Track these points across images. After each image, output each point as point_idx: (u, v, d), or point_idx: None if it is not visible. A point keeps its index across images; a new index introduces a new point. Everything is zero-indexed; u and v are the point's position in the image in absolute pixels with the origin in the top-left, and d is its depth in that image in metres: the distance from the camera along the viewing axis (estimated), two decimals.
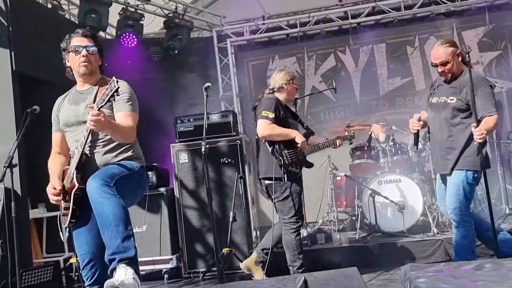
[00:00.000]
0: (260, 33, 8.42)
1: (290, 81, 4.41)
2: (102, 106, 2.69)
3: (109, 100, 2.68)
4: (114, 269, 2.63)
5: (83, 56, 3.01)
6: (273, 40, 8.65)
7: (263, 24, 8.40)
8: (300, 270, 4.14)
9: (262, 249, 4.55)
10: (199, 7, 8.50)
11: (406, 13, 8.00)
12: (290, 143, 4.19)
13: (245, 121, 8.50)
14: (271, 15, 8.53)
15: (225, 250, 5.01)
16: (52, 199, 3.00)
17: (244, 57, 8.76)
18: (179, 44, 7.86)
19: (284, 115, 4.29)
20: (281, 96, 4.41)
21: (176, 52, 7.89)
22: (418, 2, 7.88)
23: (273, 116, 4.14)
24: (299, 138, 4.17)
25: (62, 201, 3.00)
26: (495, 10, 7.87)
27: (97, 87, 3.06)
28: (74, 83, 3.21)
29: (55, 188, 2.98)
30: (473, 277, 1.92)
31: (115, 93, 2.66)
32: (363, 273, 4.58)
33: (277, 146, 4.17)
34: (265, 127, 4.16)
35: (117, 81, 2.69)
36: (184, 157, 5.52)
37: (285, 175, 4.11)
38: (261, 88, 8.44)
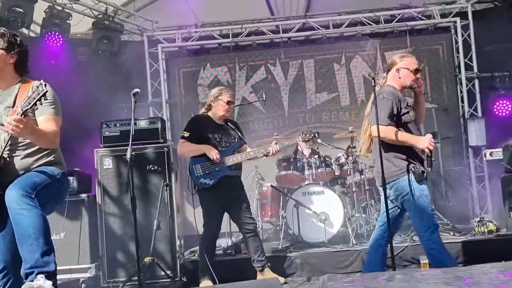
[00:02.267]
0: (192, 40, 8.41)
1: (217, 98, 4.73)
2: (26, 110, 2.58)
3: (35, 104, 2.57)
4: (31, 281, 2.51)
5: None
6: (205, 49, 8.67)
7: (196, 32, 8.40)
8: (201, 276, 4.60)
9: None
10: (131, 10, 8.35)
11: (334, 31, 8.32)
12: (207, 157, 4.52)
13: (174, 128, 8.42)
14: (204, 24, 8.55)
15: (147, 259, 4.92)
16: None
17: (175, 64, 8.70)
18: (108, 47, 7.67)
19: (204, 132, 4.62)
20: (211, 113, 4.77)
21: (105, 54, 7.68)
22: (346, 22, 8.24)
23: (188, 135, 4.61)
24: (211, 153, 4.49)
25: None
26: (415, 34, 8.38)
27: (17, 88, 2.91)
28: None
29: None
30: (386, 287, 2.03)
31: (42, 97, 2.56)
32: (284, 282, 4.71)
33: (191, 161, 4.62)
34: (179, 146, 4.72)
35: (45, 85, 2.59)
36: (108, 163, 5.37)
37: (195, 187, 4.59)
38: (192, 96, 8.51)
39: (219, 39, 8.36)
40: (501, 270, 2.34)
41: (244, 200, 4.75)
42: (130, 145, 3.72)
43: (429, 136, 3.80)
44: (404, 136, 3.76)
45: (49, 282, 2.51)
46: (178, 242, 5.34)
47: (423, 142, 3.78)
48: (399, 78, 3.91)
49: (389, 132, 3.71)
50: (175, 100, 8.61)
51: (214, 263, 4.66)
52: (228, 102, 4.74)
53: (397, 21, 8.21)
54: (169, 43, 8.44)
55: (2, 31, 2.96)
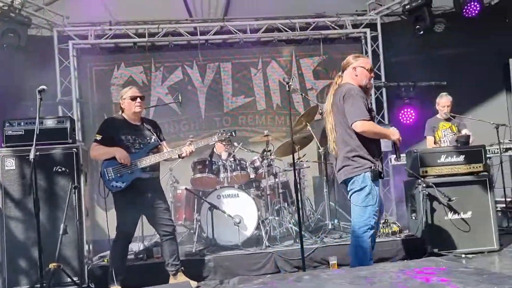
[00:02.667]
0: (106, 38, 8.12)
1: (123, 98, 4.65)
2: None
3: None
4: None
5: None
6: (120, 47, 8.41)
7: (110, 29, 8.13)
8: (111, 281, 4.47)
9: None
10: (40, 3, 7.89)
11: (251, 36, 8.43)
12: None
13: (85, 128, 8.09)
14: (119, 22, 8.30)
15: (52, 265, 4.66)
16: None
17: (87, 62, 8.35)
18: (14, 41, 7.20)
19: (116, 134, 4.53)
20: (125, 114, 4.68)
21: (10, 48, 7.21)
22: (263, 27, 8.37)
23: (100, 138, 4.52)
24: (118, 155, 4.41)
25: None
26: (328, 42, 8.71)
27: None
28: None
29: None
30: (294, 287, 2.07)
31: None
32: (197, 286, 4.67)
33: (103, 164, 4.52)
34: (91, 149, 4.60)
35: None
36: (10, 164, 5.04)
37: (109, 191, 4.46)
38: (105, 95, 8.22)
39: (135, 38, 8.16)
40: (402, 269, 2.48)
41: (163, 202, 4.66)
42: (34, 144, 3.53)
43: (395, 128, 4.08)
44: (381, 129, 4.00)
45: None
46: (86, 247, 5.12)
47: (395, 134, 4.05)
48: (356, 76, 4.02)
49: (372, 126, 3.86)
50: (86, 99, 8.27)
51: (124, 268, 4.52)
52: (133, 98, 4.61)
53: (311, 29, 8.48)
54: (81, 39, 8.09)
55: None
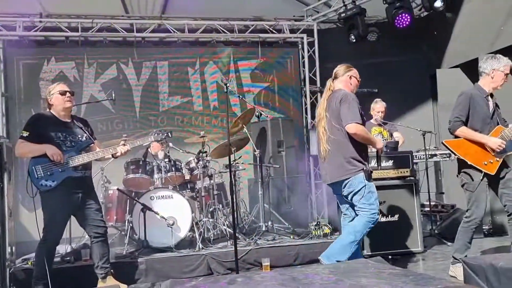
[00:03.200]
0: (35, 30, 7.74)
1: (50, 93, 4.45)
2: None
3: None
4: None
5: None
6: (51, 41, 8.05)
7: (40, 21, 7.76)
8: (34, 285, 4.25)
9: None
10: None
11: (189, 36, 8.34)
12: (49, 158, 4.22)
13: (11, 124, 7.67)
14: (50, 14, 7.94)
15: None
16: None
17: (15, 54, 7.91)
18: None
19: (45, 131, 4.31)
20: (53, 111, 4.47)
21: None
22: (201, 27, 8.32)
23: (27, 135, 4.27)
24: (50, 152, 4.21)
25: None
26: (266, 46, 8.80)
27: None
28: None
29: None
30: None
31: None
32: None
33: (31, 162, 4.26)
34: (16, 146, 4.34)
35: None
36: None
37: (37, 190, 4.23)
38: (33, 90, 7.85)
39: (67, 32, 7.83)
40: (332, 271, 2.54)
41: (95, 202, 4.49)
42: None
43: (380, 138, 4.25)
44: (370, 136, 4.28)
45: None
46: (8, 249, 4.84)
47: (379, 143, 4.38)
48: (351, 84, 4.45)
49: (363, 130, 4.12)
50: (12, 94, 7.84)
51: (50, 271, 4.32)
52: (62, 92, 4.42)
53: (250, 32, 8.54)
54: (8, 31, 7.67)
55: None
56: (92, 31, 7.92)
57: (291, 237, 5.87)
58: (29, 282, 4.36)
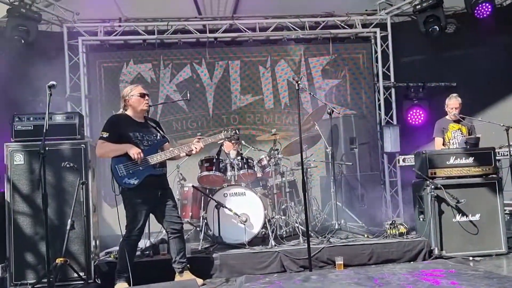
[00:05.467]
0: (115, 35, 8.14)
1: (129, 95, 4.60)
2: None
3: None
4: None
5: None
6: (129, 44, 8.43)
7: (119, 26, 8.15)
8: (117, 277, 4.44)
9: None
10: None
11: (260, 35, 8.41)
12: (130, 156, 4.38)
13: (94, 124, 8.11)
14: (129, 18, 8.31)
15: (59, 260, 4.67)
16: None
17: (97, 58, 8.38)
18: (24, 36, 7.23)
19: (124, 131, 4.48)
20: (130, 112, 4.64)
21: (20, 44, 7.24)
22: (272, 25, 8.35)
23: (107, 135, 4.44)
24: (132, 151, 4.36)
25: None
26: (338, 42, 8.68)
27: None
28: None
29: None
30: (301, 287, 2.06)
31: None
32: (202, 284, 4.67)
33: (113, 161, 4.42)
34: (97, 147, 4.50)
35: None
36: (19, 158, 5.06)
37: (119, 187, 4.40)
38: (113, 91, 8.24)
39: (144, 35, 8.17)
40: (410, 271, 2.46)
41: (171, 199, 4.66)
42: (43, 140, 3.54)
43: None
44: None
45: None
46: (93, 243, 5.13)
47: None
48: None
49: None
50: (95, 96, 8.29)
51: (132, 265, 4.52)
52: (142, 95, 4.62)
53: (321, 28, 8.46)
54: (91, 36, 8.12)
55: None
56: (167, 34, 8.21)
57: (365, 235, 5.75)
58: (112, 274, 4.59)
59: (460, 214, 5.36)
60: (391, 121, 8.47)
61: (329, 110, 6.21)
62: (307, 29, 8.41)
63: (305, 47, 8.69)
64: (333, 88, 8.71)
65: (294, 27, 8.41)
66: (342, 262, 4.76)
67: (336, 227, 6.02)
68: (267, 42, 8.69)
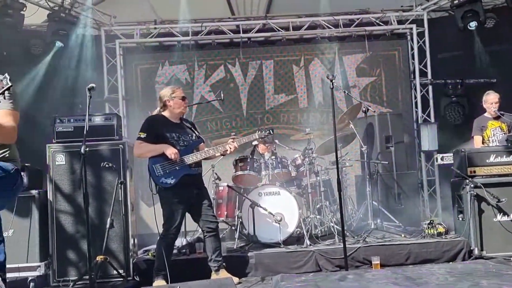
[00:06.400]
0: (151, 37, 8.28)
1: (171, 96, 4.68)
2: None
3: None
4: None
5: None
6: (164, 46, 8.56)
7: (155, 28, 8.28)
8: (155, 275, 4.53)
9: None
10: (88, 3, 8.11)
11: (293, 34, 8.40)
12: (166, 156, 4.46)
13: (130, 125, 8.26)
14: (164, 20, 8.44)
15: (99, 258, 4.80)
16: None
17: (133, 60, 8.55)
18: (64, 40, 7.46)
19: (161, 131, 4.57)
20: (167, 113, 4.72)
21: (61, 47, 7.48)
22: (306, 24, 8.32)
23: (145, 136, 4.54)
24: (168, 151, 4.45)
25: None
26: (373, 39, 8.57)
27: None
28: None
29: None
30: (337, 287, 2.05)
31: (6, 91, 2.45)
32: (238, 282, 4.70)
33: (150, 161, 4.51)
34: (135, 147, 4.63)
35: (9, 79, 2.47)
36: (61, 159, 5.22)
37: (156, 187, 4.51)
38: (149, 93, 8.38)
39: (179, 36, 8.27)
40: (449, 271, 2.41)
41: (207, 198, 4.72)
42: (84, 141, 3.64)
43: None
44: None
45: None
46: (131, 241, 5.24)
47: None
48: None
49: None
50: (132, 97, 8.46)
51: (169, 263, 4.60)
52: (183, 98, 4.72)
53: (355, 26, 8.37)
54: (127, 38, 8.29)
55: None
56: (201, 35, 8.29)
57: (402, 235, 5.67)
58: (150, 272, 4.68)
59: (501, 214, 5.21)
60: (429, 119, 8.30)
61: (364, 108, 6.15)
62: (341, 27, 8.34)
63: (339, 45, 8.61)
64: (368, 86, 8.61)
65: (327, 25, 8.35)
66: (378, 262, 4.71)
67: (372, 226, 5.96)
68: (301, 41, 8.67)
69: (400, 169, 6.86)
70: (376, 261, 4.74)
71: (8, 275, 4.74)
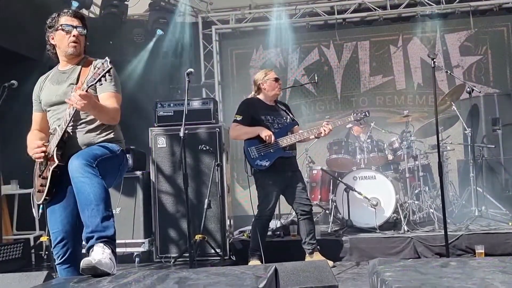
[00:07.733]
0: (245, 22, 8.39)
1: (264, 79, 4.71)
2: (91, 86, 2.65)
3: (99, 80, 2.63)
4: (91, 247, 2.59)
5: (73, 36, 2.95)
6: (259, 30, 8.63)
7: (250, 13, 8.37)
8: (250, 255, 4.60)
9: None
10: None
11: (391, 12, 8.07)
12: (261, 139, 4.49)
13: (226, 109, 8.48)
14: (258, 5, 8.50)
15: (198, 237, 5.02)
16: (36, 152, 2.89)
17: (228, 45, 8.73)
18: (164, 28, 7.79)
19: (256, 114, 4.61)
20: (261, 96, 4.76)
21: (160, 35, 7.83)
22: (404, 2, 7.96)
23: (241, 118, 4.59)
24: (263, 133, 4.46)
25: (38, 178, 2.96)
26: (478, 15, 8.00)
27: (79, 66, 2.99)
28: (54, 60, 3.14)
29: (39, 146, 2.91)
30: (439, 273, 1.97)
31: (107, 74, 2.62)
32: (333, 266, 4.68)
33: (245, 143, 4.56)
34: (231, 129, 4.71)
35: (109, 62, 2.64)
36: (162, 142, 5.50)
37: (251, 169, 4.56)
38: (244, 77, 8.52)
39: (272, 20, 8.29)
40: None
41: (301, 181, 4.72)
42: (183, 124, 3.78)
43: None
44: None
45: (108, 251, 2.58)
46: (227, 222, 5.41)
47: None
48: None
49: None
50: (227, 82, 8.66)
51: (264, 244, 4.68)
52: (276, 79, 4.73)
53: (459, 2, 7.85)
54: (223, 24, 8.46)
55: (81, 14, 3.09)
56: (295, 17, 8.24)
57: (510, 224, 5.29)
58: (245, 252, 4.80)
59: None
60: None
61: (468, 89, 5.78)
62: (443, 4, 7.86)
63: (441, 22, 8.13)
64: (473, 65, 8.07)
65: (428, 2, 7.91)
66: (483, 251, 4.45)
67: (476, 214, 5.62)
68: (399, 19, 8.31)
69: (508, 154, 6.39)
70: (480, 249, 4.47)
71: (117, 249, 5.14)
